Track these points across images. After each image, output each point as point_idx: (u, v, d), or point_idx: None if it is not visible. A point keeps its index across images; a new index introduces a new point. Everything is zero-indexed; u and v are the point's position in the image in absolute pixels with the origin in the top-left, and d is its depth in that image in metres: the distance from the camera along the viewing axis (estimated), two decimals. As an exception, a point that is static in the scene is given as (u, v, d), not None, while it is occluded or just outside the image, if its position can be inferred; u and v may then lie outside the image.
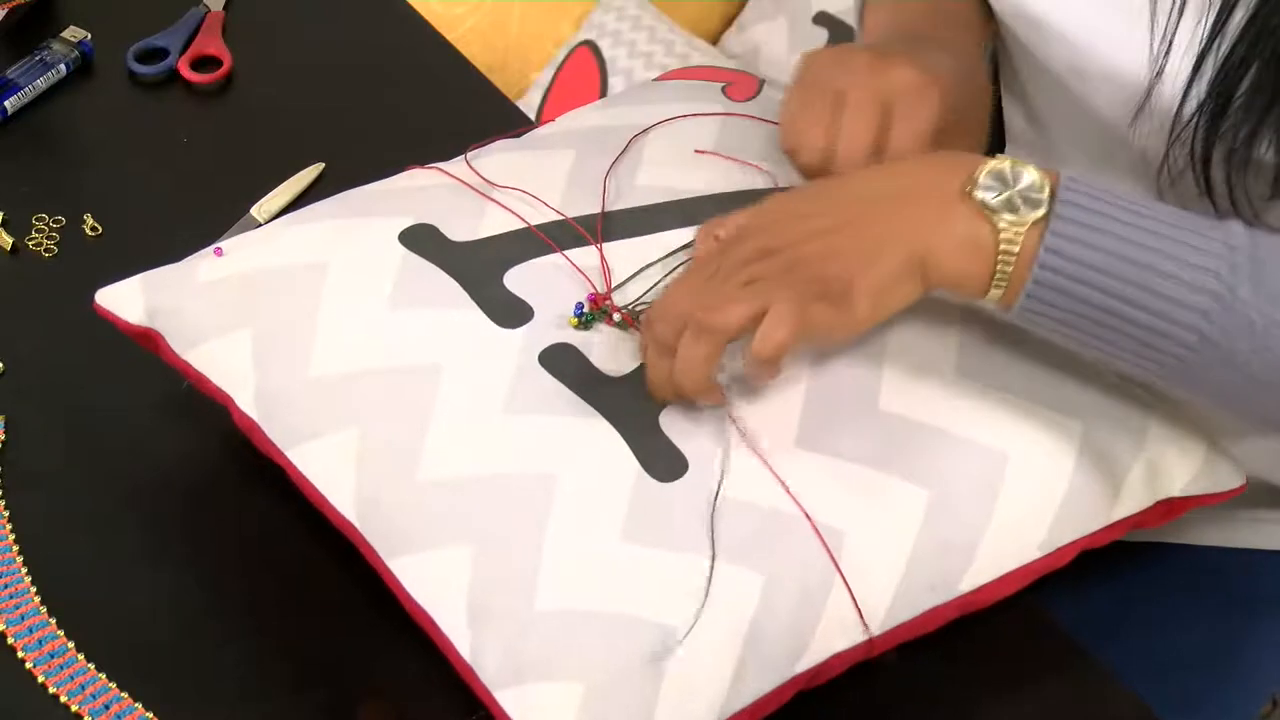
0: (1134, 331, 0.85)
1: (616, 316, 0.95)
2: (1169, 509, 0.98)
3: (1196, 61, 0.88)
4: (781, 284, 0.87)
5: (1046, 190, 0.85)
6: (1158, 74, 0.90)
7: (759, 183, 1.03)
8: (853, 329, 0.88)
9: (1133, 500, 0.96)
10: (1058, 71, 0.98)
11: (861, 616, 0.89)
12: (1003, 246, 0.86)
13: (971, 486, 0.92)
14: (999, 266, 0.86)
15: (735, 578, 0.87)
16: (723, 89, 1.11)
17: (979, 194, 0.86)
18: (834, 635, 0.89)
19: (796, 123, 0.97)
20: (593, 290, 0.97)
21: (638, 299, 0.96)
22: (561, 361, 0.93)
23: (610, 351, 0.94)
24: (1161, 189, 0.93)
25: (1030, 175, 0.86)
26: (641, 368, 0.93)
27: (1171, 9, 0.89)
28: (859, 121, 0.95)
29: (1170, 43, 0.89)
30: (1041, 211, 0.85)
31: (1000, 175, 0.86)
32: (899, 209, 0.88)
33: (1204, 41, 0.88)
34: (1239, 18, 0.86)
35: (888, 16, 1.07)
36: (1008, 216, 0.85)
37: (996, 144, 1.15)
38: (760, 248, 0.89)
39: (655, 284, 0.97)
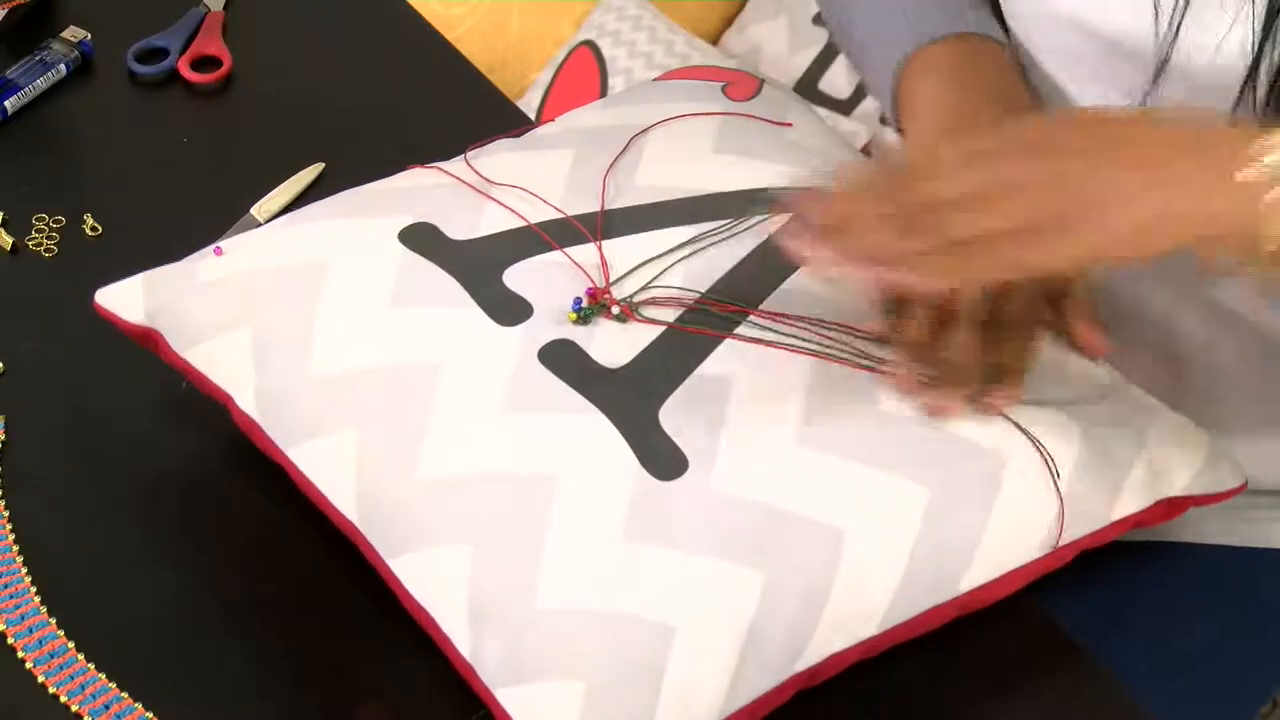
0: None
1: (615, 309, 0.95)
2: (1170, 508, 0.98)
3: (1252, 65, 0.86)
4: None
5: None
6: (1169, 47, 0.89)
7: (759, 182, 1.03)
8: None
9: (1133, 499, 0.96)
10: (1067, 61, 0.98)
11: None
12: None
13: (972, 486, 0.92)
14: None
15: (735, 577, 0.87)
16: (723, 89, 1.11)
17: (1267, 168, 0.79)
18: (833, 634, 0.89)
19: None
20: (591, 285, 0.97)
21: (635, 292, 0.97)
22: (561, 357, 0.93)
23: (609, 344, 0.94)
24: None
25: None
26: (639, 359, 0.93)
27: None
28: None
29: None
30: None
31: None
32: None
33: (1257, 42, 0.86)
34: None
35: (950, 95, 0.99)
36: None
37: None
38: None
39: (654, 278, 0.97)
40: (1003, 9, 1.04)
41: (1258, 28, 0.87)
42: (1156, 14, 0.91)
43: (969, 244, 0.83)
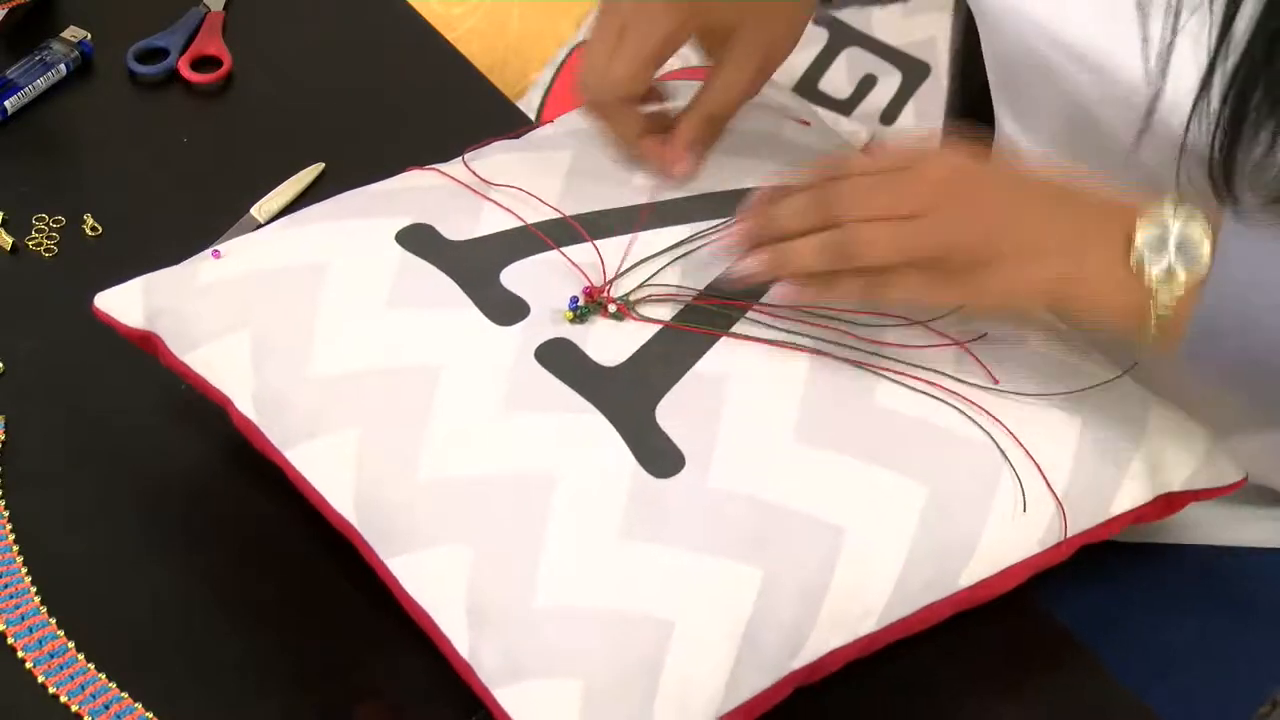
0: None
1: (612, 308, 0.96)
2: (1169, 503, 0.99)
3: (1206, 75, 0.88)
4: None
5: (1205, 252, 0.85)
6: (1160, 79, 0.90)
7: (755, 182, 1.03)
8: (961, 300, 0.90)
9: (1132, 495, 0.96)
10: (1059, 80, 0.98)
11: None
12: (1159, 313, 0.86)
13: (970, 482, 0.92)
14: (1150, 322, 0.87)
15: (733, 573, 0.87)
16: (723, 88, 1.11)
17: (1138, 261, 0.86)
18: (831, 631, 0.89)
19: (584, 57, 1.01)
20: (588, 284, 0.97)
21: (632, 290, 0.97)
22: (558, 357, 0.93)
23: (606, 343, 0.94)
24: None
25: (1193, 231, 0.85)
26: (635, 357, 0.93)
27: (1167, 15, 0.89)
28: (597, 51, 0.99)
29: (1169, 53, 0.89)
30: (1201, 273, 0.85)
31: (1160, 239, 0.85)
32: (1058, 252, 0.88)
33: (1212, 52, 0.87)
34: (1242, 28, 0.86)
35: None
36: (1164, 295, 0.86)
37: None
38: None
39: (650, 277, 0.97)
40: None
41: (1212, 43, 0.87)
42: (1145, 42, 0.91)
43: (876, 274, 0.88)
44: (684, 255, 0.98)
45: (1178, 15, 0.89)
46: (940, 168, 0.89)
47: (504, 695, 0.85)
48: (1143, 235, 0.86)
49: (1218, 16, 0.87)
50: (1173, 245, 0.85)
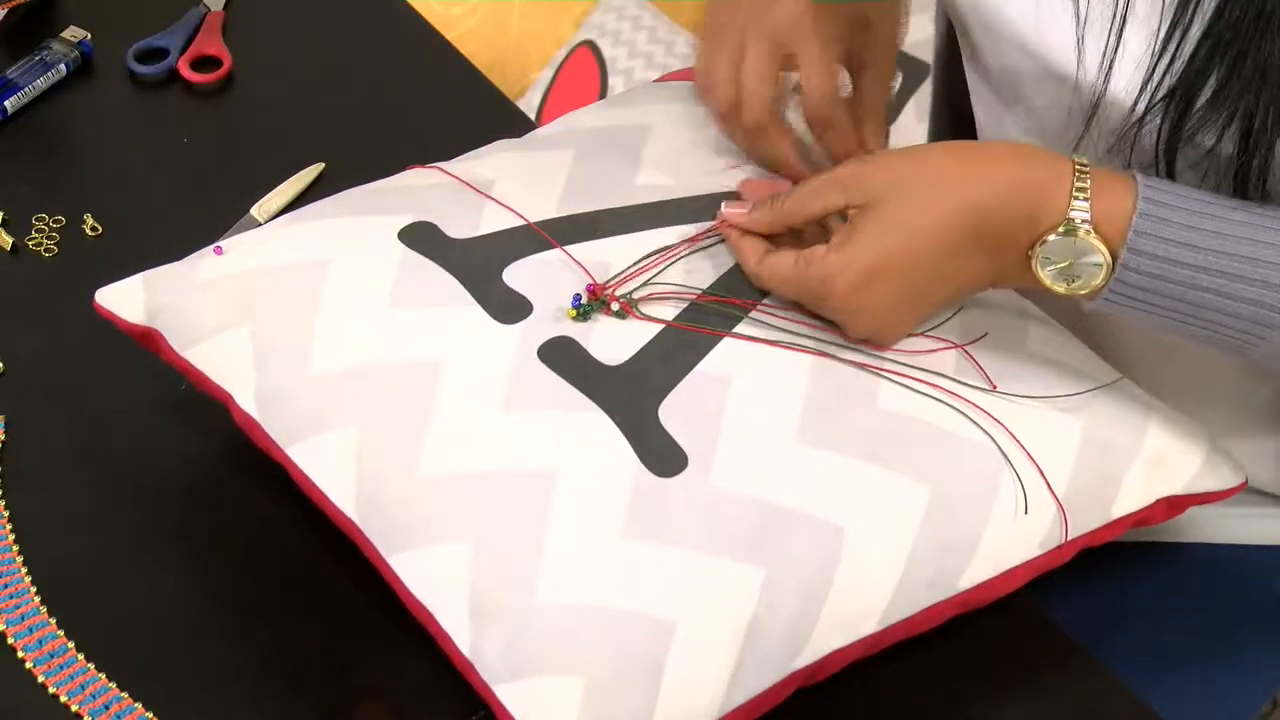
0: (1202, 335, 0.91)
1: (615, 306, 0.96)
2: (1170, 507, 0.98)
3: (1149, 72, 0.89)
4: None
5: (1104, 272, 0.89)
6: (1106, 79, 0.92)
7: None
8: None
9: (1134, 497, 0.96)
10: (1011, 72, 0.99)
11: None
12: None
13: (972, 484, 0.92)
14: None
15: (735, 573, 0.87)
16: (722, 89, 1.11)
17: (1038, 267, 0.90)
18: (833, 631, 0.89)
19: (704, 77, 1.03)
20: (591, 282, 0.97)
21: (635, 288, 0.97)
22: (560, 355, 0.93)
23: (609, 341, 0.94)
24: None
25: (1092, 250, 0.89)
26: (638, 356, 0.93)
27: (1115, 16, 0.91)
28: (755, 71, 1.01)
29: (1116, 52, 0.91)
30: (1097, 283, 0.90)
31: (1063, 245, 0.89)
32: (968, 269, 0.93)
33: (1156, 54, 0.89)
34: (1195, 30, 0.88)
35: None
36: (1061, 288, 0.90)
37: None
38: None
39: (652, 276, 0.97)
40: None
41: (1163, 31, 0.89)
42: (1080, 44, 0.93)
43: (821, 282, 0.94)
44: (687, 254, 0.98)
45: (1124, 21, 0.91)
46: (844, 281, 0.93)
47: (505, 692, 0.85)
48: (1043, 269, 0.90)
49: (1165, 22, 0.89)
50: (1071, 270, 0.90)
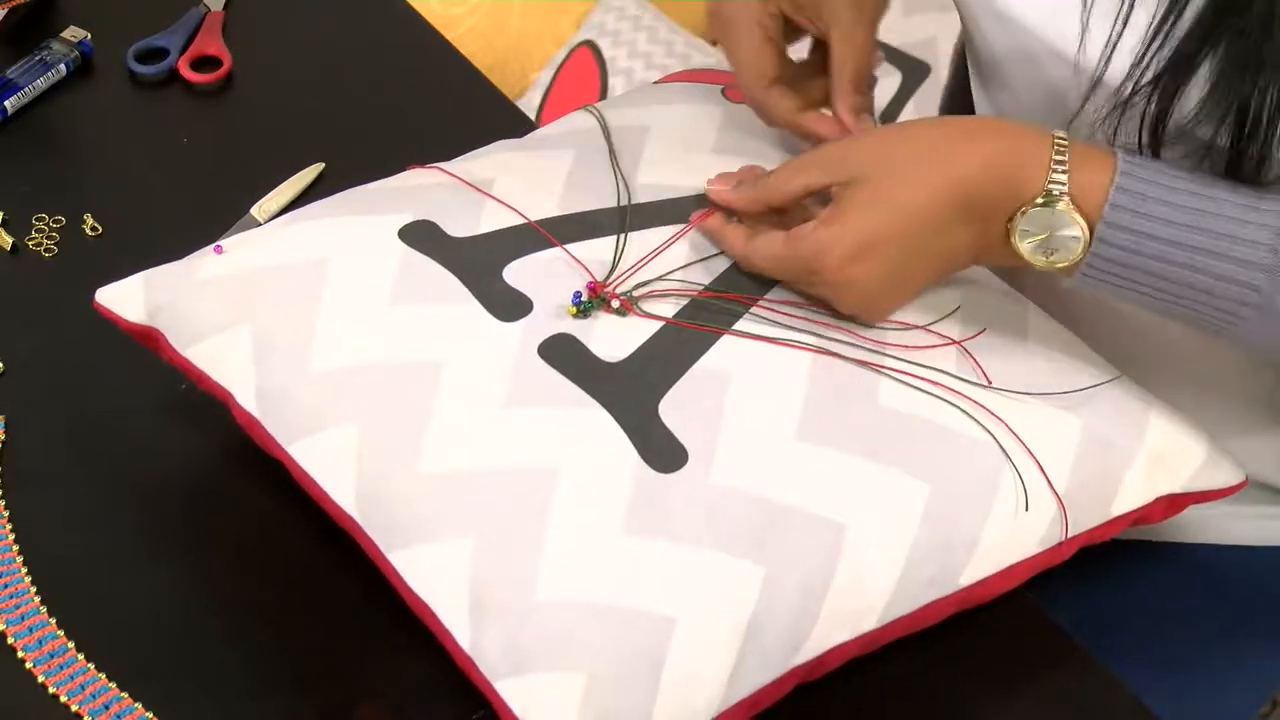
0: (1182, 314, 0.91)
1: (615, 303, 0.96)
2: (1169, 505, 0.99)
3: (1138, 56, 0.90)
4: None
5: (1081, 245, 0.90)
6: (1105, 63, 0.92)
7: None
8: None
9: (1133, 496, 0.97)
10: (1015, 58, 1.00)
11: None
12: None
13: (972, 481, 0.92)
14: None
15: (736, 570, 0.87)
16: (723, 90, 1.11)
17: (1017, 239, 0.91)
18: (833, 628, 0.89)
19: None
20: (592, 279, 0.97)
21: (635, 286, 0.97)
22: (561, 352, 0.93)
23: (609, 338, 0.94)
24: None
25: (1070, 223, 0.89)
26: (638, 353, 0.93)
27: (1121, 5, 0.91)
28: (725, 49, 1.06)
29: (1120, 35, 0.91)
30: (1075, 256, 0.90)
31: (1042, 217, 0.90)
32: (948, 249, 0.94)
33: (1149, 39, 0.89)
34: (1188, 17, 0.88)
35: None
36: (1040, 260, 0.92)
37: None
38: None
39: (653, 274, 0.97)
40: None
41: (1158, 16, 0.90)
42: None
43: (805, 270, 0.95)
44: (687, 253, 0.98)
45: (1130, 7, 0.91)
46: (836, 255, 0.93)
47: (506, 688, 0.85)
48: (1022, 242, 0.91)
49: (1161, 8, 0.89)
50: (1049, 242, 0.91)
